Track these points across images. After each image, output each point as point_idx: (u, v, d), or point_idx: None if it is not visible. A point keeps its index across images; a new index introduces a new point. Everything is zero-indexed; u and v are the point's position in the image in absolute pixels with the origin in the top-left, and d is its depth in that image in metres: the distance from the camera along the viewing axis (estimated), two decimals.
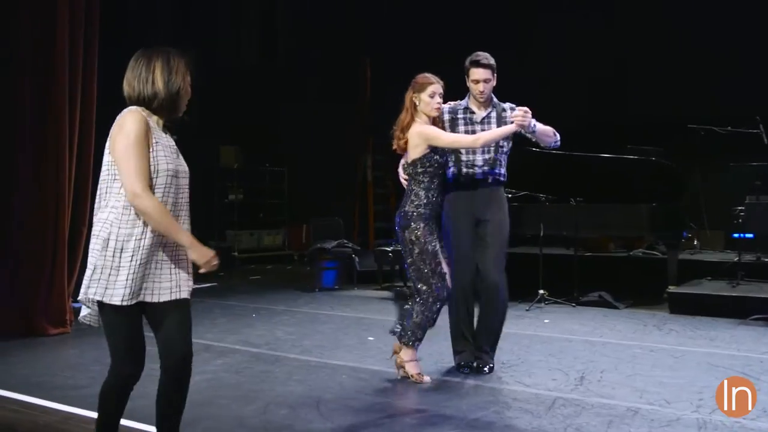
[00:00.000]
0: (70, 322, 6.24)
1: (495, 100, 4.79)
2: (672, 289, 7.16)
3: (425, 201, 4.47)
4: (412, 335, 4.48)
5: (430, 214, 4.48)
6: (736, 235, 7.95)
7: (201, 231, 10.92)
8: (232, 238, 11.98)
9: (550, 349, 5.39)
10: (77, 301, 6.97)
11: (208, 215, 11.99)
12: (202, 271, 2.80)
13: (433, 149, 4.47)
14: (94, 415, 3.85)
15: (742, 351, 5.30)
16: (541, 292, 7.40)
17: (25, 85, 6.09)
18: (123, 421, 2.99)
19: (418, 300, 4.47)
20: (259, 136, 12.36)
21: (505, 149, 4.78)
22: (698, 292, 7.05)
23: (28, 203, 6.10)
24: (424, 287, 4.43)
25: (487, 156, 4.70)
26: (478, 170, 4.70)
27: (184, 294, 2.80)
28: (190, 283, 2.85)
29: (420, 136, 4.45)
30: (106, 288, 2.65)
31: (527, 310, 7.09)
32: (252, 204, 12.50)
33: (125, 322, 2.72)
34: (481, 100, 4.70)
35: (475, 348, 4.75)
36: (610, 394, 4.22)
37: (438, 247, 4.47)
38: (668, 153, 8.50)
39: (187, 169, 2.88)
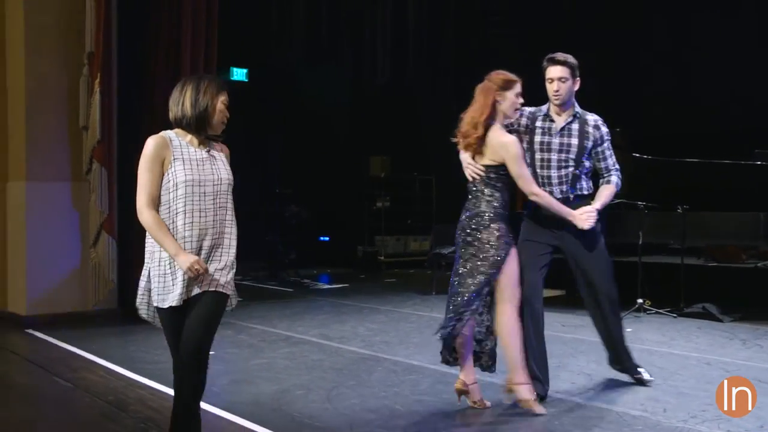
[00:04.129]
0: None
1: (579, 109, 4.41)
2: None
3: (503, 203, 4.11)
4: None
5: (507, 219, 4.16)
6: None
7: (351, 236, 11.91)
8: (379, 243, 12.71)
9: (597, 356, 5.36)
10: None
11: (358, 222, 12.86)
12: (188, 275, 2.94)
13: None
14: (150, 382, 4.73)
15: None
16: (640, 301, 7.22)
17: (157, 92, 7.20)
18: None
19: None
20: (409, 146, 13.00)
21: (587, 165, 4.44)
22: None
23: None
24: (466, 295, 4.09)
25: (563, 172, 4.36)
26: (555, 188, 4.36)
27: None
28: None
29: (504, 148, 4.02)
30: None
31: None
32: (399, 211, 13.14)
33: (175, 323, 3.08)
34: (557, 102, 4.32)
35: (627, 364, 4.64)
36: (610, 399, 4.25)
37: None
38: None
39: (220, 177, 3.05)
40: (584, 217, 4.25)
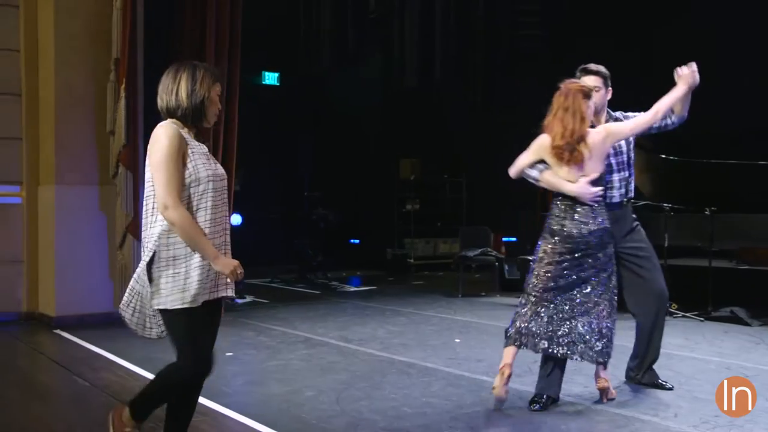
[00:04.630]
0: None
1: (609, 111, 4.58)
2: None
3: None
4: None
5: None
6: None
7: (381, 239, 11.95)
8: (408, 245, 12.71)
9: (615, 359, 5.26)
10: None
11: (388, 224, 12.88)
12: (229, 280, 2.88)
13: None
14: None
15: None
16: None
17: None
18: None
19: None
20: (439, 149, 12.99)
21: (632, 167, 4.58)
22: None
23: None
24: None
25: (623, 174, 4.49)
26: (615, 191, 4.48)
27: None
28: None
29: (609, 137, 4.14)
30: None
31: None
32: (429, 213, 13.12)
33: (197, 322, 2.88)
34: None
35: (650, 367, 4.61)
36: (621, 403, 4.21)
37: None
38: None
39: (223, 172, 2.98)
40: (688, 70, 4.22)
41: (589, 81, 4.38)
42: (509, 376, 4.09)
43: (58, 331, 6.70)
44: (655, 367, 4.67)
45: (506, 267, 9.64)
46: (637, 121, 4.28)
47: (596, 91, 4.37)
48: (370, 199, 13.00)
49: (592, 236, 4.05)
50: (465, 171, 13.18)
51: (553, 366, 4.21)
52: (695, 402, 4.22)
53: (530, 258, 8.70)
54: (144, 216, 2.93)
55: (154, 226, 2.88)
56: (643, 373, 4.62)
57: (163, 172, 2.78)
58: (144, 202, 2.93)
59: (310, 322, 7.25)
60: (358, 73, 12.13)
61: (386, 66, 12.11)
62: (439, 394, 4.48)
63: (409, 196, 12.86)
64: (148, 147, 2.88)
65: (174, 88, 2.89)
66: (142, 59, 7.34)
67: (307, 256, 10.93)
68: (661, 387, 4.52)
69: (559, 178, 4.08)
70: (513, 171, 4.24)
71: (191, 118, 2.92)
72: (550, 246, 4.15)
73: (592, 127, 4.35)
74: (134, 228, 7.02)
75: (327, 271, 11.05)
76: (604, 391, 4.24)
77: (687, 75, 4.21)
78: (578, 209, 4.07)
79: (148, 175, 2.90)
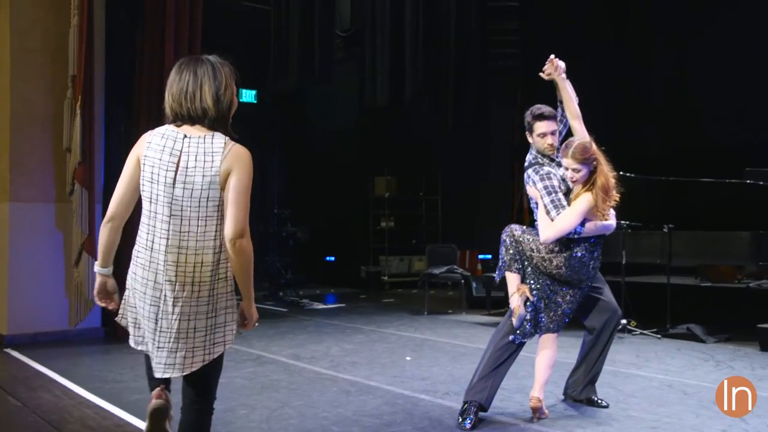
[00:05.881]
0: None
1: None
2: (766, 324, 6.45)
3: None
4: None
5: None
6: None
7: (356, 256, 11.87)
8: (383, 263, 12.68)
9: (556, 377, 5.22)
10: None
11: (363, 242, 12.85)
12: (246, 329, 2.69)
13: None
14: (100, 401, 4.75)
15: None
16: (624, 321, 7.05)
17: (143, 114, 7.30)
18: None
19: None
20: (414, 167, 12.99)
21: None
22: None
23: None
24: None
25: None
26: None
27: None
28: None
29: None
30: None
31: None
32: (404, 231, 13.11)
33: None
34: (551, 152, 4.32)
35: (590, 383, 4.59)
36: (551, 422, 4.16)
37: None
38: None
39: None
40: (548, 64, 4.22)
41: (549, 125, 4.29)
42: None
43: (8, 350, 6.63)
44: (597, 384, 4.64)
45: (474, 284, 9.60)
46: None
47: (553, 134, 4.31)
48: (345, 217, 12.98)
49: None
50: (440, 189, 13.18)
51: (493, 376, 4.22)
52: (627, 420, 4.19)
53: (494, 275, 8.84)
54: (193, 239, 2.54)
55: (224, 251, 2.55)
56: (581, 389, 4.58)
57: (246, 199, 2.50)
58: (187, 222, 2.53)
59: (266, 339, 7.20)
60: (333, 91, 12.14)
61: (360, 84, 12.13)
62: (372, 413, 4.43)
63: (383, 213, 12.86)
64: (230, 167, 2.51)
65: (196, 93, 2.54)
66: (102, 76, 7.37)
67: (277, 273, 10.89)
68: (597, 405, 4.48)
69: (596, 221, 4.11)
70: (556, 235, 4.08)
71: (221, 125, 2.57)
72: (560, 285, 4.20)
73: (555, 165, 4.31)
74: (89, 246, 6.99)
75: (299, 288, 11.02)
76: (535, 411, 4.20)
77: (550, 68, 4.19)
78: (601, 243, 4.22)
79: (205, 194, 2.52)
